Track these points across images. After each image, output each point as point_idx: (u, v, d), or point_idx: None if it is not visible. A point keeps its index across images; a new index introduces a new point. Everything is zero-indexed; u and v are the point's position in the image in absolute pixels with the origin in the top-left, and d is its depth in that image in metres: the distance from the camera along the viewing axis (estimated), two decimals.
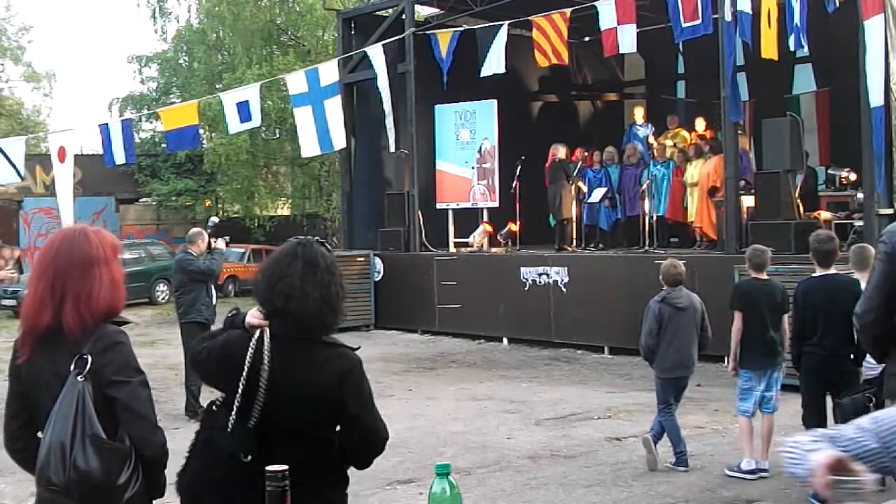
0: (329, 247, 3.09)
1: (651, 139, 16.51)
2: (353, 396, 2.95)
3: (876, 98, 11.13)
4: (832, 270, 6.49)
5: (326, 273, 2.97)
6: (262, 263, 3.10)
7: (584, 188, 15.87)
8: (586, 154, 16.25)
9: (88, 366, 2.78)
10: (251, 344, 2.93)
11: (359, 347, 3.07)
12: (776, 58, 12.12)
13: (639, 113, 17.84)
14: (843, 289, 6.24)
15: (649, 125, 17.24)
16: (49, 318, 2.83)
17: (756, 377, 7.07)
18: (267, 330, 2.95)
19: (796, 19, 11.58)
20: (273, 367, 2.91)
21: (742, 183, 13.41)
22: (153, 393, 2.96)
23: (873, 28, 11.17)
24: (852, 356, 6.26)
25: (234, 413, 2.90)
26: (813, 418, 6.48)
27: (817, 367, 6.43)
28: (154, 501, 2.97)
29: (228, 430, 2.90)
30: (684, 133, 16.34)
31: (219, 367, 3.01)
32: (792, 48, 11.91)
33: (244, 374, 2.90)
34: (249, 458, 2.85)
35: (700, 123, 16.02)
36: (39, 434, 2.83)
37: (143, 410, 2.83)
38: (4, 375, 2.96)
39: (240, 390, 2.90)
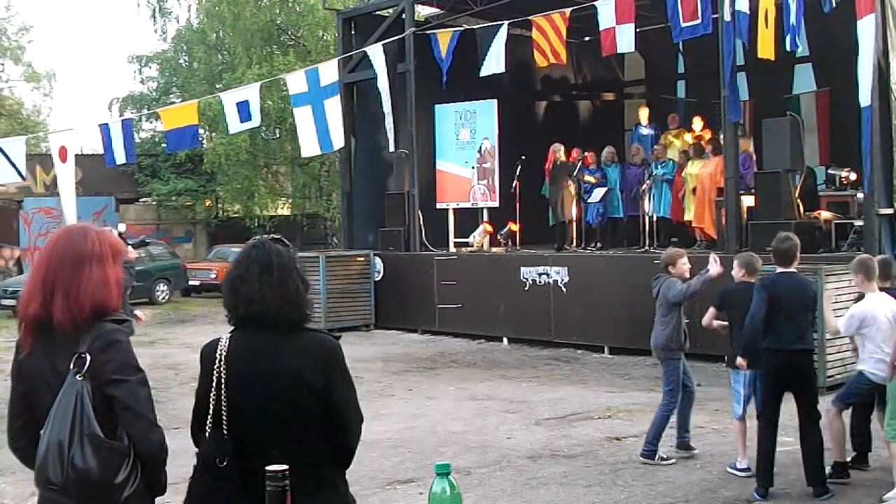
0: (286, 242, 3.09)
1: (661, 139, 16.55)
2: (339, 380, 2.95)
3: (865, 98, 11.13)
4: (792, 269, 6.71)
5: (282, 271, 2.96)
6: (227, 269, 3.11)
7: (594, 179, 15.84)
8: (585, 154, 16.26)
9: (87, 365, 2.79)
10: (219, 346, 2.95)
11: (340, 336, 3.06)
12: (772, 58, 12.13)
13: (643, 113, 17.88)
14: (804, 286, 6.69)
15: (654, 125, 17.28)
16: (37, 307, 2.86)
17: (743, 377, 7.08)
18: (226, 335, 2.99)
19: (793, 19, 11.57)
20: (236, 362, 2.91)
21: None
22: (153, 393, 2.97)
23: (865, 28, 11.17)
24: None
25: (209, 416, 2.90)
26: (769, 419, 6.60)
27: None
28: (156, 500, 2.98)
29: (205, 436, 2.91)
30: (685, 136, 16.33)
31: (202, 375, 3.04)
32: (788, 48, 11.92)
33: (213, 375, 2.92)
34: (225, 462, 2.83)
35: (697, 123, 16.01)
36: (42, 431, 2.84)
37: (142, 409, 2.84)
38: (5, 375, 2.97)
39: (212, 393, 2.91)
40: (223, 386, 2.90)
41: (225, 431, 2.88)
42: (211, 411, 2.90)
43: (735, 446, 7.33)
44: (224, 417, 2.89)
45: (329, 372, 2.93)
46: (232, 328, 3.03)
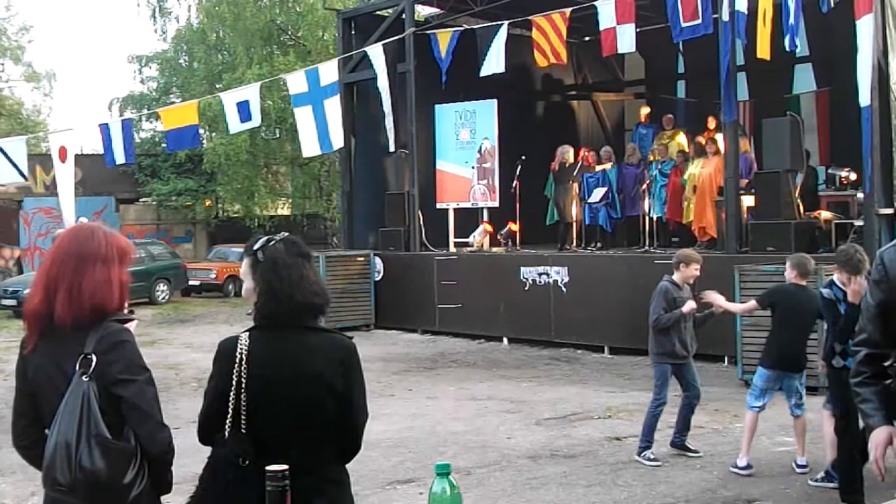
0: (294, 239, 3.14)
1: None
2: (356, 382, 3.00)
3: (865, 97, 11.13)
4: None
5: (301, 265, 3.02)
6: (265, 266, 3.12)
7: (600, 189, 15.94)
8: (586, 154, 16.26)
9: (93, 366, 2.81)
10: (239, 346, 2.96)
11: (352, 337, 3.10)
12: (769, 57, 12.12)
13: (645, 112, 17.87)
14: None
15: (654, 125, 17.29)
16: (38, 303, 2.88)
17: (776, 379, 7.08)
18: (244, 333, 3.00)
19: (791, 19, 11.57)
20: (258, 363, 2.92)
21: (745, 182, 13.44)
22: None
23: (864, 27, 11.16)
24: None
25: (228, 417, 2.91)
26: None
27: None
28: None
29: (225, 437, 2.92)
30: (679, 139, 16.32)
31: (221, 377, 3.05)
32: (787, 48, 11.92)
33: (233, 375, 2.93)
34: (247, 462, 2.86)
35: (711, 122, 15.95)
36: (47, 431, 2.86)
37: (150, 409, 2.85)
38: (5, 375, 2.99)
39: (231, 393, 2.92)
40: (244, 386, 2.91)
41: (244, 431, 2.90)
42: (231, 412, 2.91)
43: (737, 446, 7.31)
44: (244, 418, 2.90)
45: (348, 374, 2.97)
46: (250, 327, 3.03)
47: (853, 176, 13.40)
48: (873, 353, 3.11)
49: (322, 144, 16.59)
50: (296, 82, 16.71)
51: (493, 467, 7.50)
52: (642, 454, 7.50)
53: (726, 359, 11.88)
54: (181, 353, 14.74)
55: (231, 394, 2.91)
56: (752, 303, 7.53)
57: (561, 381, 11.66)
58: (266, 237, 3.12)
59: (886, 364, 3.11)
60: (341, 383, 2.94)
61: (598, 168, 16.11)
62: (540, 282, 14.58)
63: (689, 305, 7.43)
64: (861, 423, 6.21)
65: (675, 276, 7.64)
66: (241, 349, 2.95)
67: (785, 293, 7.28)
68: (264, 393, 2.92)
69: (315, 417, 2.92)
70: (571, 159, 15.82)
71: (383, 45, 16.74)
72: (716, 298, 7.55)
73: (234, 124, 16.80)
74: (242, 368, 2.92)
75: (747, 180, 13.57)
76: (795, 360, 7.10)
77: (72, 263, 2.89)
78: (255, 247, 3.06)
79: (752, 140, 15.63)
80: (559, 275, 14.37)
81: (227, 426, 2.91)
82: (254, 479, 2.78)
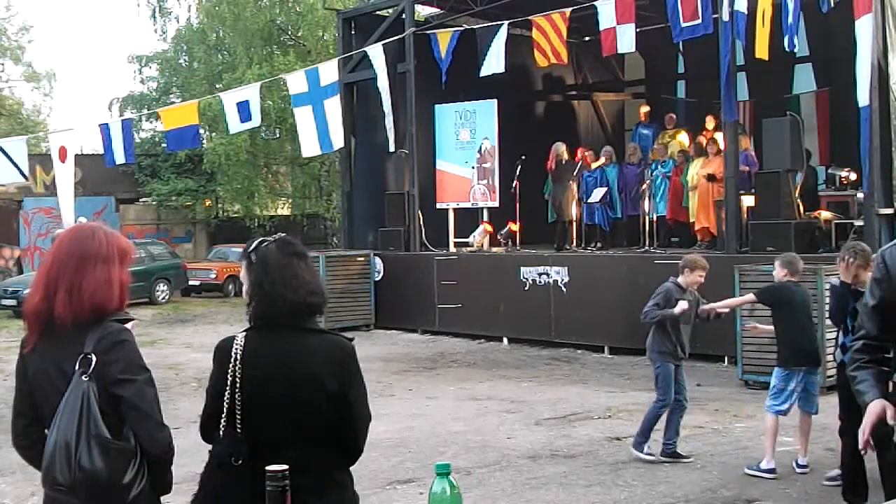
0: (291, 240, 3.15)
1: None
2: (354, 383, 2.98)
3: (864, 97, 11.13)
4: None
5: (294, 265, 3.02)
6: (258, 268, 3.13)
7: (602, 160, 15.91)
8: (586, 154, 16.26)
9: (93, 365, 2.81)
10: (234, 345, 2.96)
11: (353, 339, 3.09)
12: (767, 57, 12.13)
13: (645, 111, 17.86)
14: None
15: (654, 125, 17.29)
16: (38, 301, 2.88)
17: (799, 379, 7.06)
18: (241, 333, 3.00)
19: (790, 19, 11.58)
20: (252, 363, 2.93)
21: (746, 169, 13.43)
22: None
23: (863, 27, 11.17)
24: None
25: (223, 417, 2.92)
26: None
27: None
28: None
29: (220, 435, 2.93)
30: (681, 138, 16.32)
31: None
32: (786, 48, 11.93)
33: (228, 375, 2.93)
34: (240, 462, 2.86)
35: (710, 122, 15.95)
36: (47, 431, 2.86)
37: (149, 409, 2.86)
38: (5, 375, 3.00)
39: (226, 393, 2.92)
40: (238, 386, 2.92)
41: (239, 431, 2.90)
42: (226, 411, 2.91)
43: (737, 445, 7.30)
44: (238, 417, 2.91)
45: (345, 375, 2.96)
46: (247, 327, 3.03)
47: (853, 176, 13.40)
48: (871, 343, 3.13)
49: (322, 144, 16.58)
50: (296, 82, 16.70)
51: (493, 467, 7.50)
52: (640, 447, 7.49)
53: (726, 359, 11.88)
54: (181, 353, 14.74)
55: (226, 393, 2.92)
56: (750, 296, 7.72)
57: (561, 381, 11.66)
58: (260, 239, 3.12)
59: (887, 356, 3.13)
60: (338, 385, 2.92)
61: (595, 165, 16.09)
62: (540, 282, 14.58)
63: (681, 306, 7.42)
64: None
65: (680, 280, 7.64)
66: (236, 349, 2.95)
67: (784, 290, 7.29)
68: (258, 393, 2.92)
69: (311, 418, 2.91)
70: (566, 155, 15.80)
71: (383, 45, 16.74)
72: (711, 307, 7.61)
73: (234, 124, 16.80)
74: (237, 368, 2.93)
75: (748, 167, 13.58)
76: (811, 354, 7.11)
77: (72, 263, 2.89)
78: (249, 249, 3.07)
79: (752, 140, 15.64)
80: (559, 275, 14.36)
81: (222, 425, 2.92)
82: (249, 479, 2.79)
